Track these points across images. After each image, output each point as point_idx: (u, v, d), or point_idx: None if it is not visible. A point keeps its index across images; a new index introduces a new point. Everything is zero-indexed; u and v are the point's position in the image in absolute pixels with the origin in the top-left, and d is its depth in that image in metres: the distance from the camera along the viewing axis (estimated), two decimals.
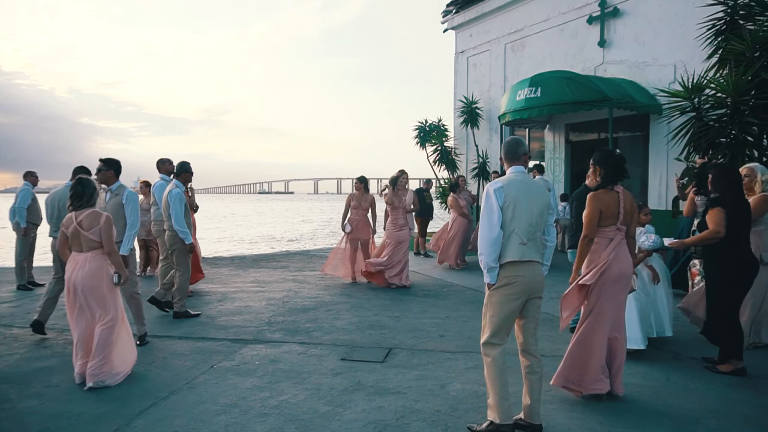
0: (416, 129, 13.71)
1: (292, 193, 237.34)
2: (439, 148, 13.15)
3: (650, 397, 3.67)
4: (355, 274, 8.28)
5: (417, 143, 13.74)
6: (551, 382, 3.61)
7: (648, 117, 9.78)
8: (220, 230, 27.92)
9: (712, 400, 3.62)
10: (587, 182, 5.43)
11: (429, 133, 13.72)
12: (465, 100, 13.15)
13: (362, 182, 8.36)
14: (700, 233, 4.23)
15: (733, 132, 6.55)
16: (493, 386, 3.05)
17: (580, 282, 3.55)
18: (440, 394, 3.71)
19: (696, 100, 7.30)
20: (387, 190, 8.10)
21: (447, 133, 13.91)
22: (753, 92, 6.79)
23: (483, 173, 12.75)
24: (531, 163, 13.07)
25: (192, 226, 7.21)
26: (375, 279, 7.89)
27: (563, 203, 11.11)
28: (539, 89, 9.34)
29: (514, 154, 3.30)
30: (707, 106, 7.29)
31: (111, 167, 4.91)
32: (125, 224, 4.76)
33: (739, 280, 4.08)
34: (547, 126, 12.00)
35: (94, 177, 4.84)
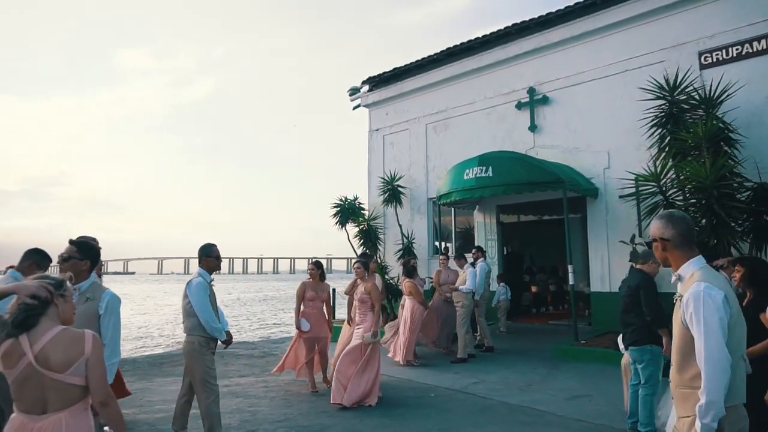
0: (335, 207, 12.66)
1: (132, 273, 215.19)
2: (365, 227, 12.20)
3: None
4: (314, 382, 6.73)
5: (336, 222, 12.65)
6: None
7: (584, 200, 9.97)
8: None
9: None
10: (640, 267, 4.86)
11: (347, 211, 12.77)
12: (386, 178, 12.57)
13: (319, 268, 6.98)
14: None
15: (716, 216, 6.64)
16: None
17: None
18: None
19: (662, 184, 7.45)
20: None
21: (363, 211, 13.09)
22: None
23: (409, 254, 12.03)
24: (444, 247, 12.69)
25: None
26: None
27: (502, 284, 10.74)
28: (490, 169, 9.05)
29: (691, 237, 2.32)
30: (674, 190, 7.46)
31: (87, 255, 3.16)
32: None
33: None
34: (477, 207, 11.80)
35: (52, 266, 3.06)
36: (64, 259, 3.09)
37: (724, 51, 8.58)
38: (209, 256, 4.58)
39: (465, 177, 9.34)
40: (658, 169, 7.49)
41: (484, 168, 9.11)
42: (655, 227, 2.39)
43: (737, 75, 8.09)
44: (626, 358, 5.17)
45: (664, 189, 7.43)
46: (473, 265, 9.16)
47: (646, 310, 4.50)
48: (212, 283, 4.58)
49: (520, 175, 8.83)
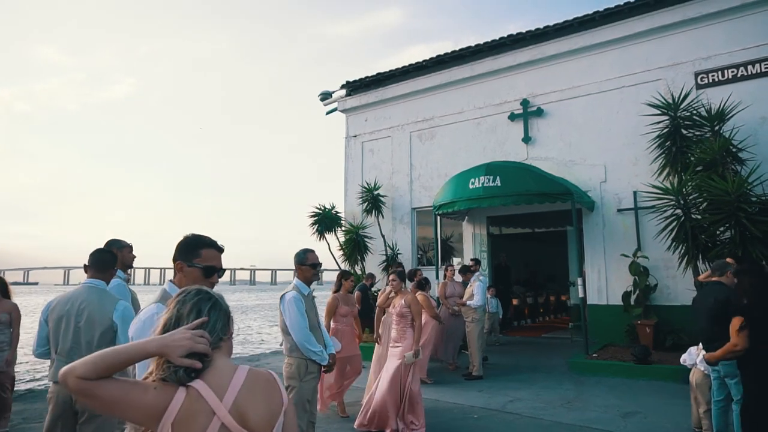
0: (313, 216, 11.98)
1: (35, 283, 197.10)
2: (355, 237, 11.60)
3: None
4: (344, 406, 6.14)
5: (315, 232, 11.97)
6: None
7: (580, 212, 10.01)
8: None
9: None
10: (718, 279, 4.73)
11: (326, 221, 12.14)
12: (367, 187, 12.10)
13: (353, 281, 6.41)
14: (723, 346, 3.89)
15: (744, 229, 6.77)
16: None
17: None
18: None
19: (681, 198, 7.56)
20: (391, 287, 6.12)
21: (341, 221, 12.52)
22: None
23: (394, 265, 11.60)
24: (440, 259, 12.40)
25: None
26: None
27: (493, 296, 10.58)
28: (498, 178, 8.87)
29: None
30: (701, 204, 7.55)
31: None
32: None
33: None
34: (466, 218, 11.60)
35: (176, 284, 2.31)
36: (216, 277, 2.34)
37: (719, 72, 8.94)
38: (303, 265, 3.88)
39: (471, 186, 9.09)
40: (677, 184, 7.59)
41: (492, 177, 8.91)
42: None
43: (733, 96, 8.40)
44: (697, 374, 5.05)
45: (685, 203, 7.52)
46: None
47: (717, 329, 4.38)
48: (312, 295, 3.91)
49: (529, 186, 8.71)
